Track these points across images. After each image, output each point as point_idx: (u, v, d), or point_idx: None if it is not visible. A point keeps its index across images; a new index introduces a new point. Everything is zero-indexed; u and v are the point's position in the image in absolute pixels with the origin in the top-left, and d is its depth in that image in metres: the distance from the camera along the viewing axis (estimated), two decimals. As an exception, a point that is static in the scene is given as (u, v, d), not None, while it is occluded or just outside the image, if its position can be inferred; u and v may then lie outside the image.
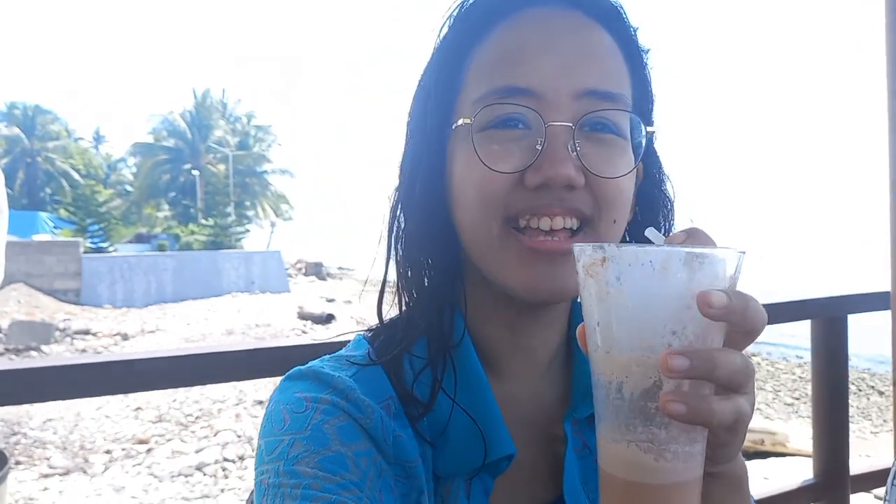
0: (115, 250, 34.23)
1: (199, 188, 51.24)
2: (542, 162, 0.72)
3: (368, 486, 0.70)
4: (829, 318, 2.45)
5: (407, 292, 0.85)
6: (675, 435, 0.54)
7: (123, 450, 9.25)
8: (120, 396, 11.12)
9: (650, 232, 0.65)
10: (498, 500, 0.81)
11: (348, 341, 0.90)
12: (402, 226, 0.85)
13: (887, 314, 2.55)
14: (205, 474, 8.25)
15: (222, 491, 7.80)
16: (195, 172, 53.13)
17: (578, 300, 0.93)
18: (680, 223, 0.91)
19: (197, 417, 10.54)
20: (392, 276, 0.86)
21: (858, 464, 2.57)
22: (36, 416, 10.57)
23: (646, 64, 0.84)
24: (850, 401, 2.57)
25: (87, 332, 19.42)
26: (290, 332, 19.03)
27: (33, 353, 16.95)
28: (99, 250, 32.56)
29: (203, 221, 42.17)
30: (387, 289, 0.87)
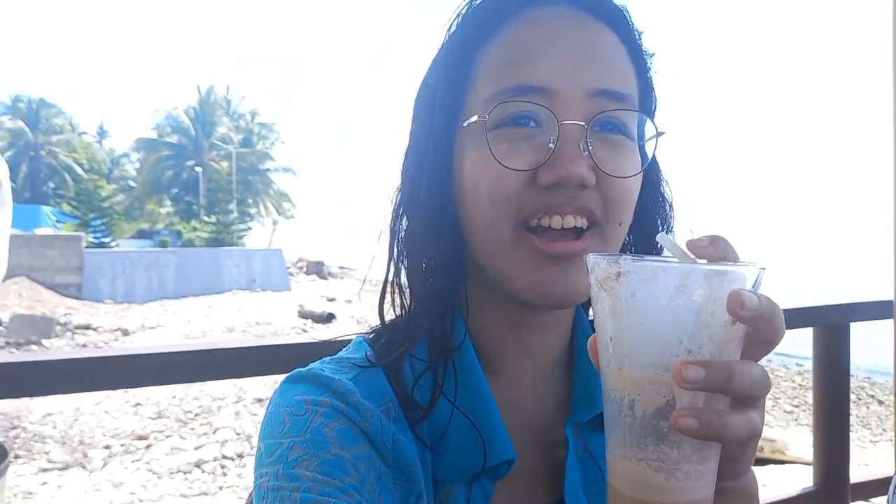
0: (116, 245, 34.24)
1: (202, 185, 51.30)
2: (556, 160, 0.72)
3: (368, 489, 0.70)
4: (830, 326, 2.44)
5: (408, 294, 0.84)
6: (687, 454, 0.53)
7: (122, 445, 9.26)
8: (120, 392, 11.12)
9: (662, 238, 0.64)
10: (498, 503, 0.81)
11: (349, 340, 0.90)
12: (405, 226, 0.85)
13: (887, 323, 2.55)
14: (203, 471, 8.25)
15: (221, 488, 7.80)
16: (198, 169, 53.18)
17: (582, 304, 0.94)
18: (679, 225, 0.91)
19: (196, 414, 10.54)
20: (392, 276, 0.86)
21: (858, 472, 2.56)
22: (36, 410, 10.58)
23: (649, 67, 0.84)
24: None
25: (87, 327, 19.43)
26: (290, 331, 19.02)
27: (34, 346, 16.96)
28: (101, 245, 32.57)
29: (205, 218, 42.17)
30: (387, 289, 0.86)
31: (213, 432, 9.62)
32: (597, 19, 0.79)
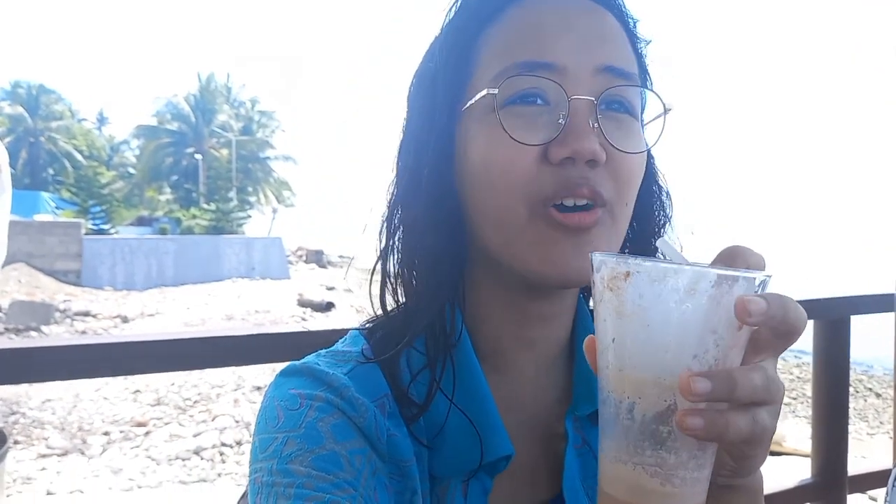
0: (116, 232, 34.25)
1: (202, 172, 51.24)
2: (567, 135, 0.71)
3: (363, 484, 0.70)
4: (831, 320, 2.44)
5: (405, 286, 0.83)
6: (684, 460, 0.52)
7: (121, 432, 9.29)
8: (119, 378, 11.15)
9: (662, 243, 0.63)
10: (497, 498, 0.81)
11: (348, 330, 0.89)
12: (403, 218, 0.83)
13: (886, 316, 2.55)
14: (202, 458, 8.28)
15: (219, 475, 7.83)
16: (198, 156, 53.10)
17: (583, 299, 0.93)
18: (679, 223, 0.90)
19: (195, 402, 10.56)
20: (389, 269, 0.84)
21: (856, 465, 2.57)
22: (35, 396, 10.60)
23: (645, 55, 0.84)
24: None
25: (87, 314, 19.46)
26: (289, 319, 19.05)
27: (33, 333, 16.99)
28: (100, 232, 32.58)
29: (205, 206, 42.14)
30: (377, 280, 0.85)
31: (212, 419, 9.65)
32: (598, 4, 0.79)
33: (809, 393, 2.70)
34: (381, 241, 0.84)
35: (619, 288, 0.52)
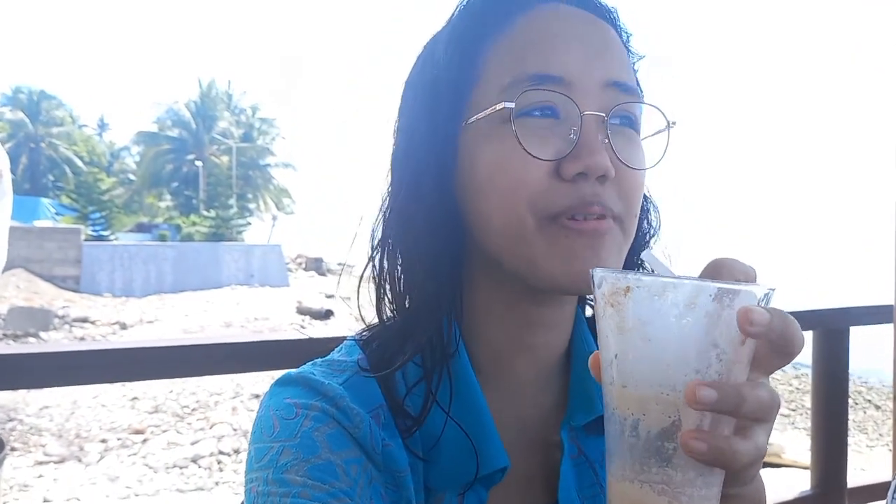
0: (115, 239, 34.25)
1: (202, 179, 51.28)
2: (581, 150, 0.71)
3: (359, 493, 0.69)
4: (830, 330, 2.44)
5: (401, 299, 0.82)
6: (691, 478, 0.52)
7: (119, 439, 9.26)
8: (117, 385, 11.13)
9: (647, 255, 0.63)
10: None
11: (346, 337, 0.89)
12: (400, 228, 0.81)
13: (886, 328, 2.55)
14: (200, 466, 8.26)
15: (217, 483, 7.80)
16: (198, 163, 53.19)
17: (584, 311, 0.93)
18: (667, 226, 0.91)
19: (193, 409, 10.54)
20: (384, 279, 0.83)
21: (855, 477, 2.56)
22: (33, 402, 10.58)
23: (637, 70, 0.84)
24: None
25: (85, 320, 19.45)
26: (288, 327, 19.04)
27: (31, 339, 16.97)
28: (100, 238, 32.59)
29: (205, 213, 42.21)
30: (367, 288, 0.84)
31: (210, 427, 9.63)
32: (599, 18, 0.79)
33: (809, 404, 2.70)
34: (375, 251, 0.84)
35: (620, 303, 0.52)
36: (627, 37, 0.83)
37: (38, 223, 30.76)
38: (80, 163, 55.70)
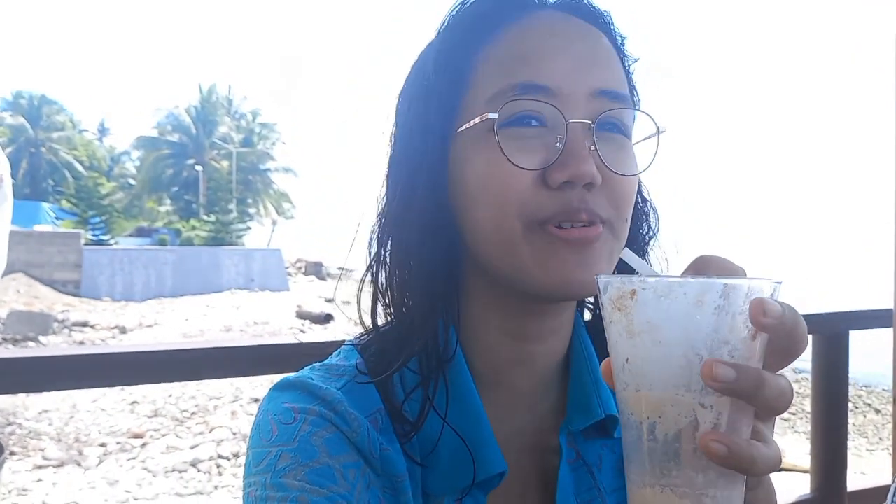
0: (115, 243, 34.24)
1: (202, 184, 51.32)
2: (567, 159, 0.72)
3: (357, 498, 0.69)
4: (830, 335, 2.44)
5: (398, 305, 0.82)
6: (713, 479, 0.51)
7: (118, 443, 9.24)
8: (116, 389, 11.11)
9: (626, 254, 0.63)
10: None
11: (344, 342, 0.89)
12: (396, 233, 0.82)
13: (886, 332, 2.55)
14: (199, 470, 8.24)
15: (216, 488, 7.79)
16: (198, 168, 53.21)
17: (584, 316, 0.93)
18: (667, 227, 0.91)
19: (193, 413, 10.53)
20: (381, 287, 0.84)
21: (855, 481, 2.56)
22: (32, 406, 10.57)
23: (632, 73, 0.85)
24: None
25: (85, 325, 19.43)
26: (287, 331, 19.01)
27: (31, 343, 16.95)
28: (100, 242, 32.59)
29: (205, 217, 42.22)
30: (367, 294, 0.84)
31: (210, 431, 9.61)
32: (590, 24, 0.80)
33: (809, 408, 2.70)
34: (372, 258, 0.84)
35: (627, 307, 0.52)
36: (622, 40, 0.84)
37: (39, 227, 30.76)
38: (80, 167, 55.76)
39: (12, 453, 8.61)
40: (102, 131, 77.60)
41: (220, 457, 8.63)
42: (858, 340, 2.58)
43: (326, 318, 21.03)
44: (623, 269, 0.76)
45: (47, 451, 8.80)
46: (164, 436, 9.55)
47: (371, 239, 0.85)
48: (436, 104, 0.79)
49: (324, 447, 0.71)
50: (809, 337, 2.50)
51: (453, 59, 0.79)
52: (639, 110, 0.80)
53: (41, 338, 17.51)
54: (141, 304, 25.16)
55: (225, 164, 54.66)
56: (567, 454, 0.84)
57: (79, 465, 8.45)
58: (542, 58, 0.75)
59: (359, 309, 0.85)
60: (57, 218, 38.15)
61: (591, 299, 0.93)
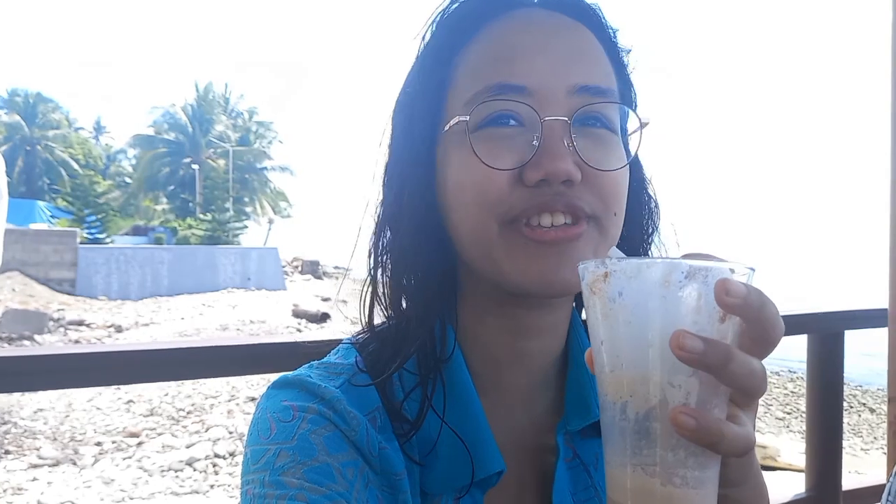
0: (111, 242, 34.17)
1: (199, 182, 51.15)
2: (541, 157, 0.72)
3: (355, 496, 0.69)
4: (825, 334, 2.44)
5: (396, 305, 0.83)
6: (682, 458, 0.52)
7: (114, 442, 9.23)
8: (112, 388, 11.10)
9: (613, 252, 0.64)
10: None
11: (342, 340, 0.89)
12: (390, 239, 0.83)
13: (881, 331, 2.55)
14: (195, 469, 8.23)
15: (212, 487, 7.78)
16: (195, 167, 53.03)
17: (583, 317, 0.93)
18: (666, 226, 0.91)
19: (189, 412, 10.52)
20: (377, 289, 0.85)
21: (850, 480, 2.56)
22: (27, 405, 10.55)
23: (627, 64, 0.85)
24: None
25: (81, 323, 19.38)
26: (284, 330, 19.00)
27: (26, 342, 16.90)
28: (96, 241, 32.49)
29: (201, 216, 42.13)
30: (366, 294, 0.85)
31: (206, 430, 9.60)
32: (573, 19, 0.79)
33: (804, 408, 2.70)
34: (370, 260, 0.85)
35: (601, 290, 0.53)
36: (614, 33, 0.83)
37: (34, 226, 30.64)
38: (76, 166, 55.61)
39: (7, 452, 8.60)
40: (98, 129, 77.45)
41: (217, 456, 8.62)
42: (854, 340, 2.58)
43: (323, 317, 21.02)
44: None
45: (42, 450, 8.78)
46: (160, 435, 9.54)
47: (370, 240, 0.85)
48: (420, 108, 0.80)
49: (322, 445, 0.71)
50: (804, 336, 2.51)
51: (436, 62, 0.80)
52: (619, 103, 0.79)
53: (37, 336, 17.47)
54: (137, 302, 25.11)
55: (221, 162, 54.51)
56: (564, 453, 0.85)
57: (74, 464, 8.44)
58: (518, 57, 0.75)
59: (362, 308, 0.85)
60: (52, 216, 38.06)
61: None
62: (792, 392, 15.07)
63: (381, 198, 0.85)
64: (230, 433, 9.41)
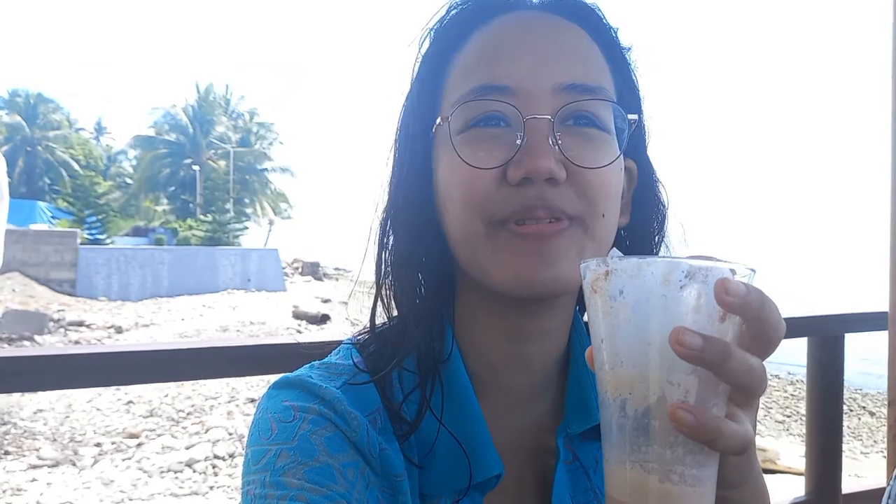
0: (112, 242, 34.18)
1: (199, 183, 51.16)
2: (523, 156, 0.72)
3: (356, 497, 0.69)
4: (825, 337, 2.44)
5: (396, 305, 0.83)
6: (680, 455, 0.52)
7: (114, 443, 9.23)
8: (112, 389, 11.10)
9: (614, 252, 0.65)
10: None
11: (343, 341, 0.89)
12: (392, 238, 0.84)
13: (881, 335, 2.55)
14: (195, 471, 8.23)
15: (211, 488, 7.78)
16: (195, 168, 53.06)
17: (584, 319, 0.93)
18: (671, 228, 0.91)
19: (189, 413, 10.51)
20: (381, 290, 0.85)
21: (850, 483, 2.56)
22: (27, 406, 10.55)
23: (629, 61, 0.84)
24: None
25: (81, 324, 19.38)
26: (284, 331, 18.99)
27: (26, 342, 16.90)
28: (96, 242, 32.51)
29: (201, 217, 42.15)
30: (367, 294, 0.86)
31: (205, 431, 9.60)
32: (565, 19, 0.79)
33: (803, 411, 2.70)
34: (375, 258, 0.85)
35: (602, 288, 0.54)
36: (614, 32, 0.83)
37: (35, 226, 30.65)
38: (76, 166, 55.62)
39: (7, 453, 8.60)
40: (99, 130, 77.49)
41: (216, 457, 8.62)
42: (854, 343, 2.58)
43: (323, 319, 21.02)
44: None
45: (42, 450, 8.78)
46: (159, 436, 9.54)
47: (375, 242, 0.86)
48: (415, 115, 0.82)
49: (323, 446, 0.71)
50: (805, 339, 2.51)
51: (430, 70, 0.82)
52: (605, 101, 0.77)
53: (37, 337, 17.47)
54: (137, 303, 25.10)
55: (222, 163, 54.52)
56: (564, 455, 0.85)
57: (74, 465, 8.44)
58: (502, 57, 0.76)
59: (373, 311, 0.86)
60: (53, 217, 38.09)
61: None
62: (792, 395, 15.06)
63: (385, 201, 0.86)
64: (230, 434, 9.41)
